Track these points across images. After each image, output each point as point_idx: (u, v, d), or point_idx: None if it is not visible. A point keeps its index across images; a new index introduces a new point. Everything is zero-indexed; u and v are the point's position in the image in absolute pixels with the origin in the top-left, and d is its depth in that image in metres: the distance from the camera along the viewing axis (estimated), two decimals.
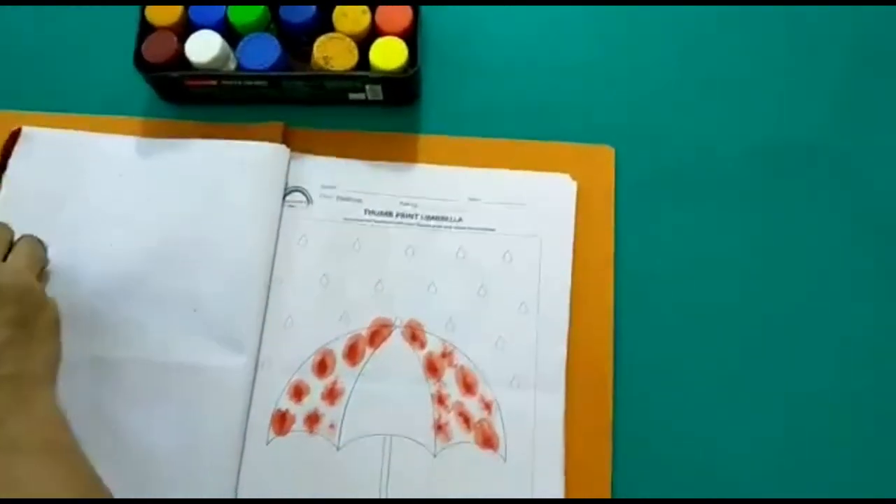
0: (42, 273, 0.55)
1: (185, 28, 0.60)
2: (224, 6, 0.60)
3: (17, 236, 0.54)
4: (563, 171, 0.60)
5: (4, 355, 0.47)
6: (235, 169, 0.59)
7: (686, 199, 0.61)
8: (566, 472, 0.53)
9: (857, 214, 0.61)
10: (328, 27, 0.60)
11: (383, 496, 0.53)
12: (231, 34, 0.60)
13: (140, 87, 0.61)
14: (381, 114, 0.62)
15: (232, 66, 0.60)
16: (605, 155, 0.61)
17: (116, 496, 0.52)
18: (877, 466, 0.55)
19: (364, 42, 0.60)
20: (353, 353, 0.56)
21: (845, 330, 0.58)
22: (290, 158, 0.60)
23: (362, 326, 0.57)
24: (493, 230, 0.59)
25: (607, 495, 0.53)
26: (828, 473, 0.54)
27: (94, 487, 0.46)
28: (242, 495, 0.53)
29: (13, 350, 0.47)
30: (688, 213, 0.60)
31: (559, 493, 0.53)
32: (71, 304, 0.57)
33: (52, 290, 0.57)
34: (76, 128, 0.61)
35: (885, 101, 0.64)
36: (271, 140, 0.60)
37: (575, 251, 0.58)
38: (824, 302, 0.58)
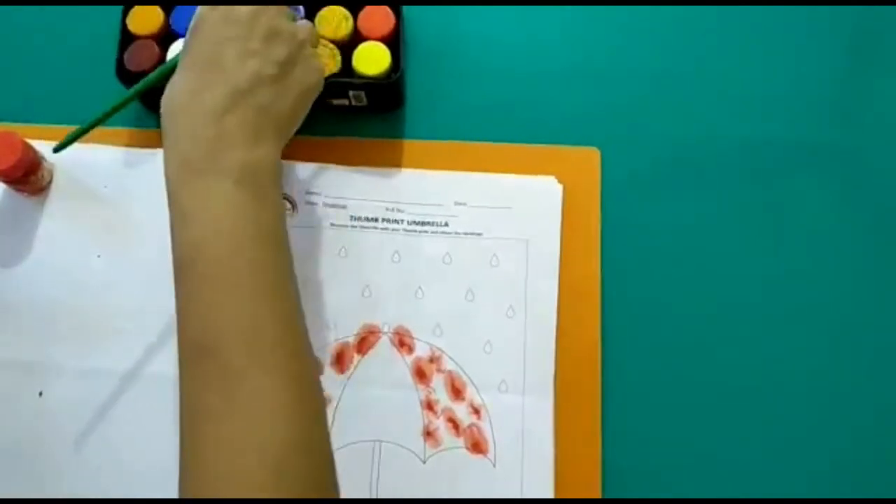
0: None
1: (167, 36, 0.60)
2: None
3: None
4: (549, 173, 0.60)
5: (263, 88, 0.47)
6: None
7: (672, 200, 0.61)
8: (556, 476, 0.53)
9: (844, 212, 0.61)
10: None
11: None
12: None
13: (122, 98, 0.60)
14: (366, 119, 0.62)
15: None
16: (590, 157, 0.61)
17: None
18: (871, 466, 0.55)
19: (347, 47, 0.59)
20: (340, 361, 0.56)
21: (837, 329, 0.58)
22: None
23: (349, 333, 0.57)
24: (479, 234, 0.59)
25: (597, 496, 0.53)
26: (819, 474, 0.54)
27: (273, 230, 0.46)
28: None
29: (271, 88, 0.48)
30: (674, 214, 0.60)
31: (549, 496, 0.53)
32: (55, 316, 0.57)
33: (37, 299, 0.57)
34: (57, 139, 0.61)
35: (864, 97, 0.64)
36: None
37: (562, 253, 0.58)
38: (814, 301, 0.58)
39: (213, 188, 0.44)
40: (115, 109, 0.53)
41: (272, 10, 0.49)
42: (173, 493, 0.53)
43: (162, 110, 0.47)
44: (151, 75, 0.53)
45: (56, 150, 0.53)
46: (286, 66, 0.48)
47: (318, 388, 0.45)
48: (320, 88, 0.52)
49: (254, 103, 0.47)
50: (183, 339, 0.43)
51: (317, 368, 0.46)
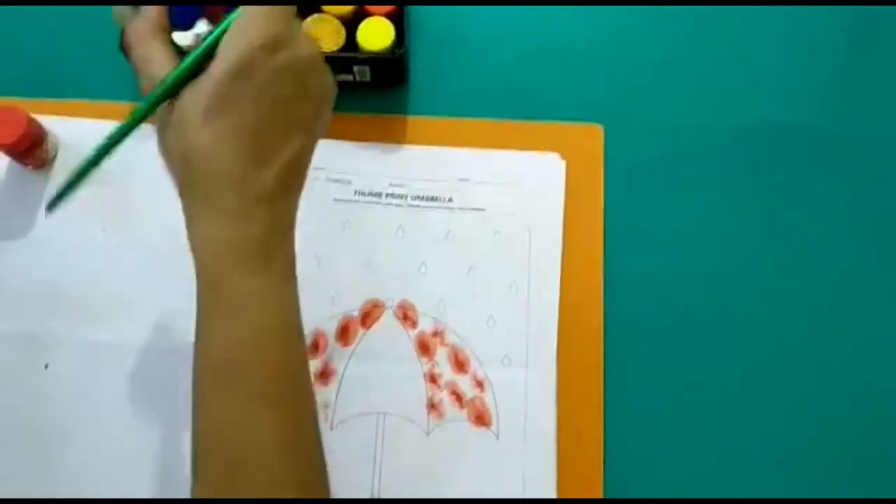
0: None
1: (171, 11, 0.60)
2: None
3: None
4: (552, 149, 0.60)
5: (306, 159, 0.41)
6: None
7: (676, 177, 0.61)
8: (558, 448, 0.54)
9: (852, 196, 0.61)
10: (315, 8, 0.60)
11: (377, 474, 0.54)
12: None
13: (126, 72, 0.60)
14: (370, 95, 0.62)
15: None
16: (593, 133, 0.61)
17: (109, 479, 0.53)
18: (873, 464, 0.55)
19: (351, 23, 0.59)
20: (345, 334, 0.56)
21: (840, 316, 0.58)
22: None
23: (354, 307, 0.57)
24: (482, 210, 0.59)
25: (599, 470, 0.54)
26: (821, 472, 0.55)
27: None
28: None
29: (310, 156, 0.42)
30: (677, 190, 0.61)
31: (551, 468, 0.53)
32: (60, 288, 0.57)
33: (42, 273, 0.58)
34: (61, 113, 0.61)
35: (881, 82, 0.64)
36: None
37: (564, 229, 0.59)
38: (819, 283, 0.59)
39: (270, 285, 0.39)
40: (110, 146, 0.41)
41: (323, 62, 0.41)
42: (176, 467, 0.53)
43: (198, 163, 0.38)
44: (156, 93, 0.39)
45: (49, 207, 0.41)
46: (322, 129, 0.43)
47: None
48: None
49: (300, 182, 0.41)
50: (208, 451, 0.39)
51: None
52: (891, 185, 0.61)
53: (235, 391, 0.38)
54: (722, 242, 0.59)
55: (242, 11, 0.38)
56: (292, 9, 0.39)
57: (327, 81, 0.41)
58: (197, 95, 0.38)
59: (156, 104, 0.39)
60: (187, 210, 0.39)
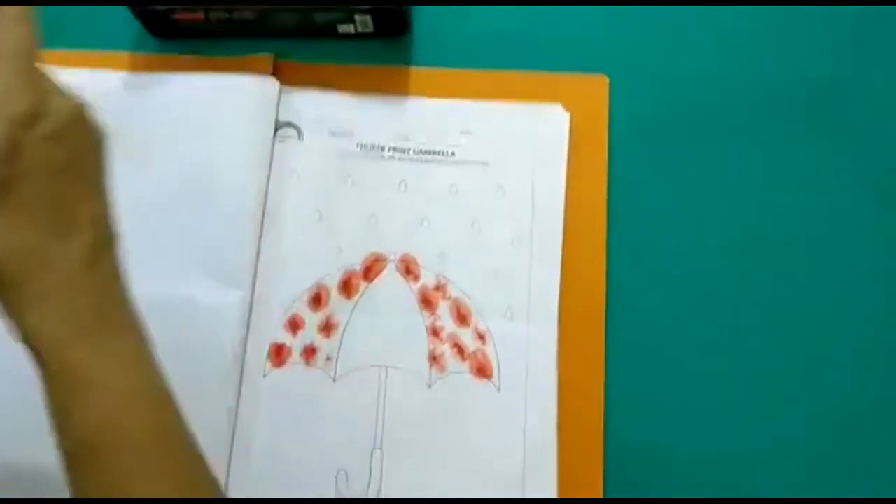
0: None
1: None
2: None
3: None
4: (556, 101, 0.60)
5: (111, 209, 0.39)
6: (225, 103, 0.59)
7: (681, 130, 0.60)
8: (559, 400, 0.54)
9: (862, 155, 0.59)
10: None
11: (379, 427, 0.54)
12: None
13: (127, 22, 0.60)
14: (372, 46, 0.61)
15: None
16: (598, 84, 0.60)
17: None
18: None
19: None
20: (347, 287, 0.56)
21: (852, 288, 0.57)
22: (281, 92, 0.59)
23: (356, 261, 0.57)
24: (485, 163, 0.59)
25: (599, 422, 0.54)
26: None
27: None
28: (240, 427, 0.54)
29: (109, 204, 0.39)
30: (682, 144, 0.60)
31: (552, 421, 0.54)
32: None
33: None
34: (60, 63, 0.59)
35: (887, 38, 0.62)
36: (261, 73, 0.59)
37: (568, 182, 0.58)
38: (827, 242, 0.58)
39: (119, 347, 0.38)
40: None
41: (86, 110, 0.38)
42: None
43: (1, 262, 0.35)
44: None
45: None
46: (108, 169, 0.40)
47: None
48: None
49: (114, 232, 0.39)
50: None
51: None
52: None
53: (114, 466, 0.36)
54: (728, 196, 0.59)
55: None
56: (36, 61, 0.36)
57: (97, 126, 0.38)
58: None
59: None
60: (10, 314, 0.36)
